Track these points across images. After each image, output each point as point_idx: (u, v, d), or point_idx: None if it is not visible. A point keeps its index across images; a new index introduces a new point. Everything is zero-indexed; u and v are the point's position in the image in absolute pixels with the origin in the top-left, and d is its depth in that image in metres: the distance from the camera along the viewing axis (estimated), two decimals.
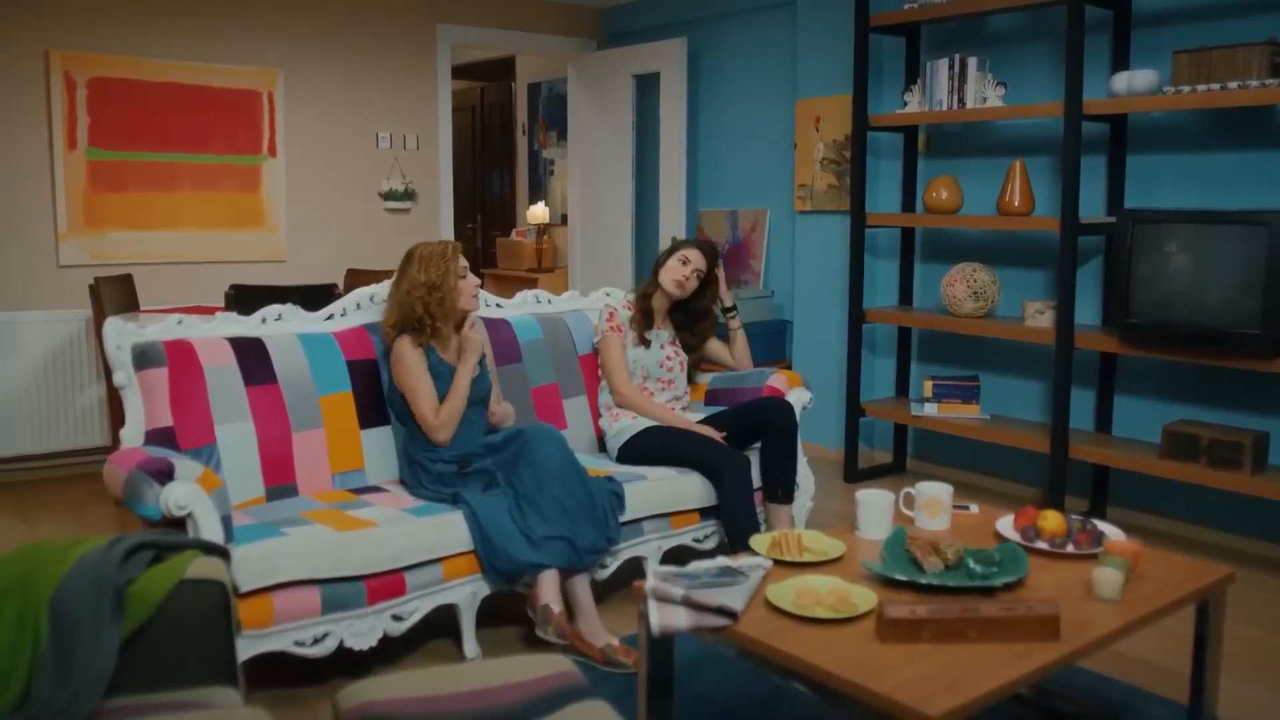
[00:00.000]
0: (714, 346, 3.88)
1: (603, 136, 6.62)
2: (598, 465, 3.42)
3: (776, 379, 3.78)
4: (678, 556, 3.27)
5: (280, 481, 3.11)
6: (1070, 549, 2.43)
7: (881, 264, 5.18)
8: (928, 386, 4.61)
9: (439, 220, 6.24)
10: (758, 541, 2.44)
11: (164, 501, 2.51)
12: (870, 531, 2.55)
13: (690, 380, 3.88)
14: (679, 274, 3.67)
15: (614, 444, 3.59)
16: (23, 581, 1.89)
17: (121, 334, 3.02)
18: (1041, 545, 2.44)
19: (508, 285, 7.43)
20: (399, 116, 6.05)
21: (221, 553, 2.15)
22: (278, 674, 2.84)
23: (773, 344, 5.62)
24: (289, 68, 5.62)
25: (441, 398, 3.17)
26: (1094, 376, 4.35)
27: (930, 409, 4.60)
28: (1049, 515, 2.48)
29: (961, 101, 4.41)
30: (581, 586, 3.03)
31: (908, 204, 4.96)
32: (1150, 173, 4.17)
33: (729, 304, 3.87)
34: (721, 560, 2.27)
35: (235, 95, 5.44)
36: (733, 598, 2.06)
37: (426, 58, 6.14)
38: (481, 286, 3.45)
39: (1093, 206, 4.29)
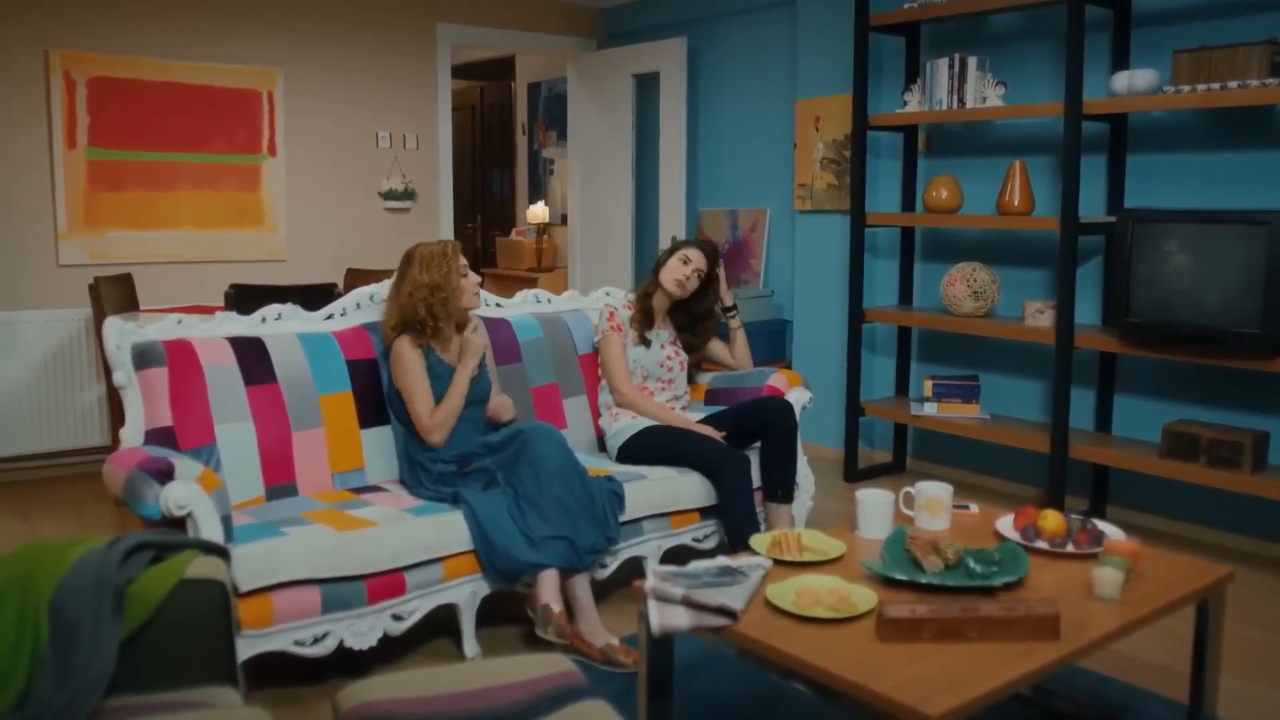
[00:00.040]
0: (714, 346, 3.88)
1: (602, 136, 6.62)
2: (597, 465, 3.42)
3: (776, 378, 3.78)
4: (677, 556, 3.27)
5: (280, 481, 3.11)
6: (1070, 549, 2.43)
7: (881, 263, 5.18)
8: (928, 386, 4.61)
9: (439, 220, 6.24)
10: (758, 541, 2.44)
11: (164, 501, 2.51)
12: (870, 531, 2.55)
13: (691, 380, 3.88)
14: (680, 273, 3.67)
15: (614, 443, 3.59)
16: (23, 581, 1.89)
17: (121, 333, 3.02)
18: (1041, 545, 2.44)
19: (507, 285, 7.43)
20: (399, 116, 6.05)
21: (221, 552, 2.15)
22: (278, 674, 2.84)
23: (773, 343, 5.62)
24: (289, 67, 5.62)
25: (439, 398, 3.17)
26: (1094, 376, 4.36)
27: (930, 408, 4.60)
28: (1049, 515, 2.48)
29: (961, 101, 4.41)
30: (581, 586, 3.03)
31: (908, 203, 4.96)
32: (1150, 172, 4.17)
33: (729, 303, 3.87)
34: (721, 560, 2.27)
35: (235, 95, 5.44)
36: (733, 597, 2.06)
37: (426, 57, 6.14)
38: (481, 285, 3.45)
39: (1093, 206, 4.29)
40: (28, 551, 1.96)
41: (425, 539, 2.85)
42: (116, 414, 4.14)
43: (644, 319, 3.71)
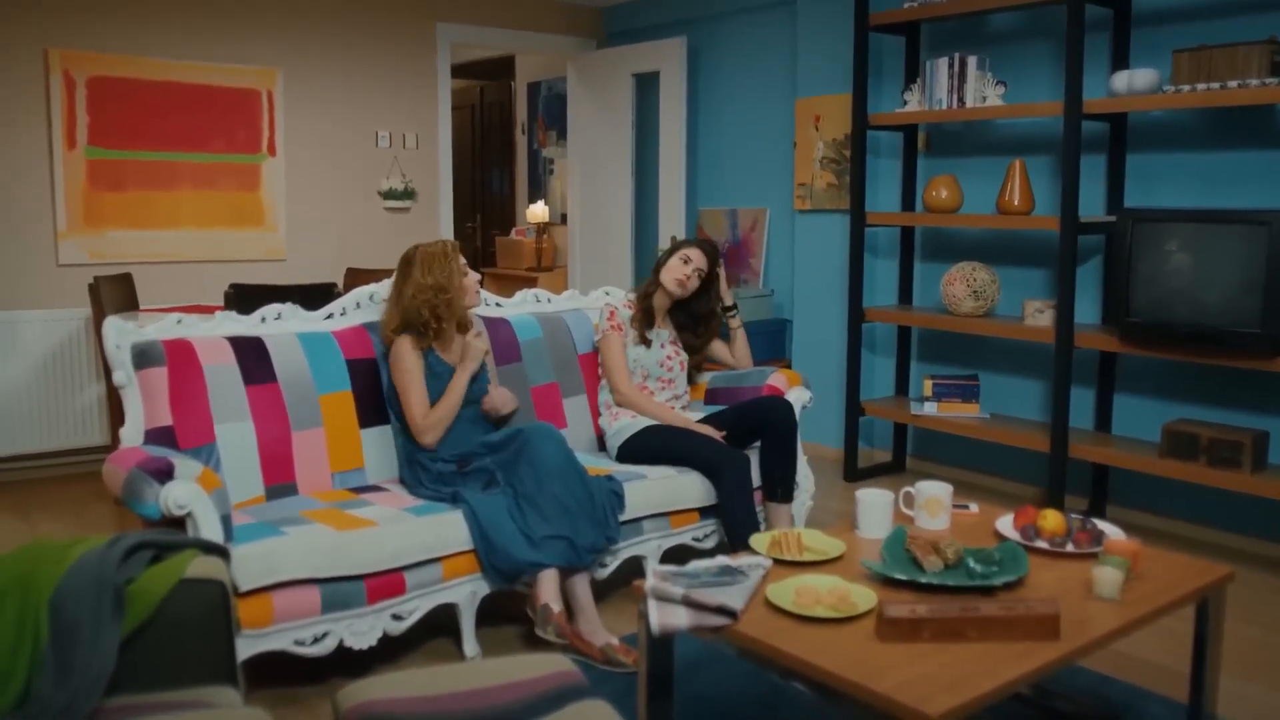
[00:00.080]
0: (714, 346, 3.88)
1: (602, 135, 6.62)
2: (597, 464, 3.42)
3: (776, 378, 3.78)
4: (677, 556, 3.27)
5: (280, 481, 3.11)
6: (1070, 548, 2.43)
7: (881, 263, 5.18)
8: (927, 385, 4.61)
9: (438, 219, 6.23)
10: (757, 541, 2.44)
11: (164, 501, 2.51)
12: (870, 531, 2.55)
13: (691, 380, 3.88)
14: (680, 273, 3.67)
15: (614, 443, 3.59)
16: (23, 581, 1.89)
17: (121, 333, 3.02)
18: (1041, 544, 2.44)
19: (507, 284, 7.43)
20: (399, 115, 6.05)
21: (221, 552, 2.15)
22: (277, 673, 2.84)
23: (772, 343, 5.62)
24: (288, 67, 5.62)
25: (438, 398, 3.17)
26: (1094, 375, 4.36)
27: (930, 408, 4.60)
28: (1049, 514, 2.48)
29: (961, 100, 4.40)
30: (581, 586, 3.03)
31: (907, 203, 4.96)
32: (1150, 172, 4.17)
33: (729, 303, 3.87)
34: (721, 559, 2.27)
35: (235, 94, 5.44)
36: (732, 597, 2.06)
37: (426, 57, 6.14)
38: (481, 283, 3.45)
39: (1092, 205, 4.29)
40: (28, 551, 1.96)
41: (425, 539, 2.85)
42: (116, 413, 4.13)
43: (644, 318, 3.71)
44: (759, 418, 3.52)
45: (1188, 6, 4.02)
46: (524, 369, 3.68)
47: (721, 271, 3.82)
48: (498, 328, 3.68)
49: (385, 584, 2.78)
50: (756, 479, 3.52)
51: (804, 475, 3.73)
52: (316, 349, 3.29)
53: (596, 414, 3.81)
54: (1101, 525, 2.52)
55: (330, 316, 3.44)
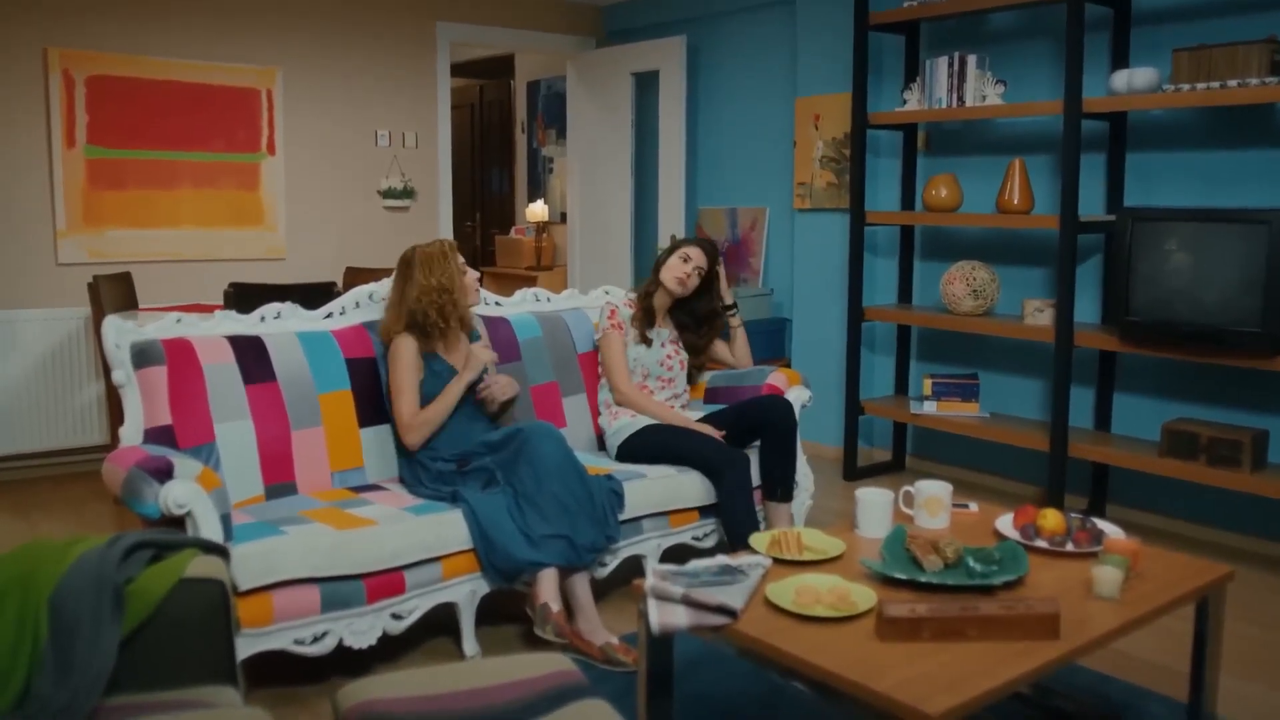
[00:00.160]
0: (714, 345, 3.88)
1: (602, 134, 6.62)
2: (597, 463, 3.42)
3: (776, 377, 3.78)
4: (677, 555, 3.27)
5: (279, 480, 3.11)
6: (1070, 547, 2.42)
7: (881, 262, 5.18)
8: (927, 385, 4.61)
9: (438, 218, 6.23)
10: (757, 540, 2.44)
11: (163, 500, 2.51)
12: (870, 530, 2.55)
13: (693, 379, 3.88)
14: (680, 271, 3.67)
15: (613, 442, 3.59)
16: (22, 580, 1.88)
17: (120, 332, 3.02)
18: (1041, 544, 2.44)
19: (507, 283, 7.43)
20: (398, 114, 6.05)
21: (221, 551, 2.15)
22: (277, 672, 2.84)
23: (772, 342, 5.62)
24: (288, 66, 5.61)
25: (435, 395, 3.17)
26: (1093, 375, 4.36)
27: (929, 407, 4.60)
28: (1048, 514, 2.48)
29: (961, 99, 4.40)
30: (581, 585, 3.03)
31: (907, 202, 4.96)
32: (1150, 171, 4.17)
33: (729, 302, 3.87)
34: (721, 559, 2.27)
35: (234, 93, 5.44)
36: (732, 596, 2.06)
37: (426, 55, 6.14)
38: (481, 281, 3.46)
39: (1092, 205, 4.29)
40: (27, 550, 1.96)
41: (424, 538, 2.85)
42: (115, 413, 4.13)
43: (645, 318, 3.71)
44: (759, 417, 3.52)
45: (1187, 6, 4.01)
46: (523, 368, 3.68)
47: (721, 270, 3.82)
48: (497, 327, 3.68)
49: (385, 583, 2.78)
50: (756, 478, 3.52)
51: (804, 474, 3.73)
52: (316, 348, 3.29)
53: (596, 413, 3.81)
54: (1101, 524, 2.52)
55: (330, 316, 3.44)
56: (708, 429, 3.50)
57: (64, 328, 4.95)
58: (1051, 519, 2.47)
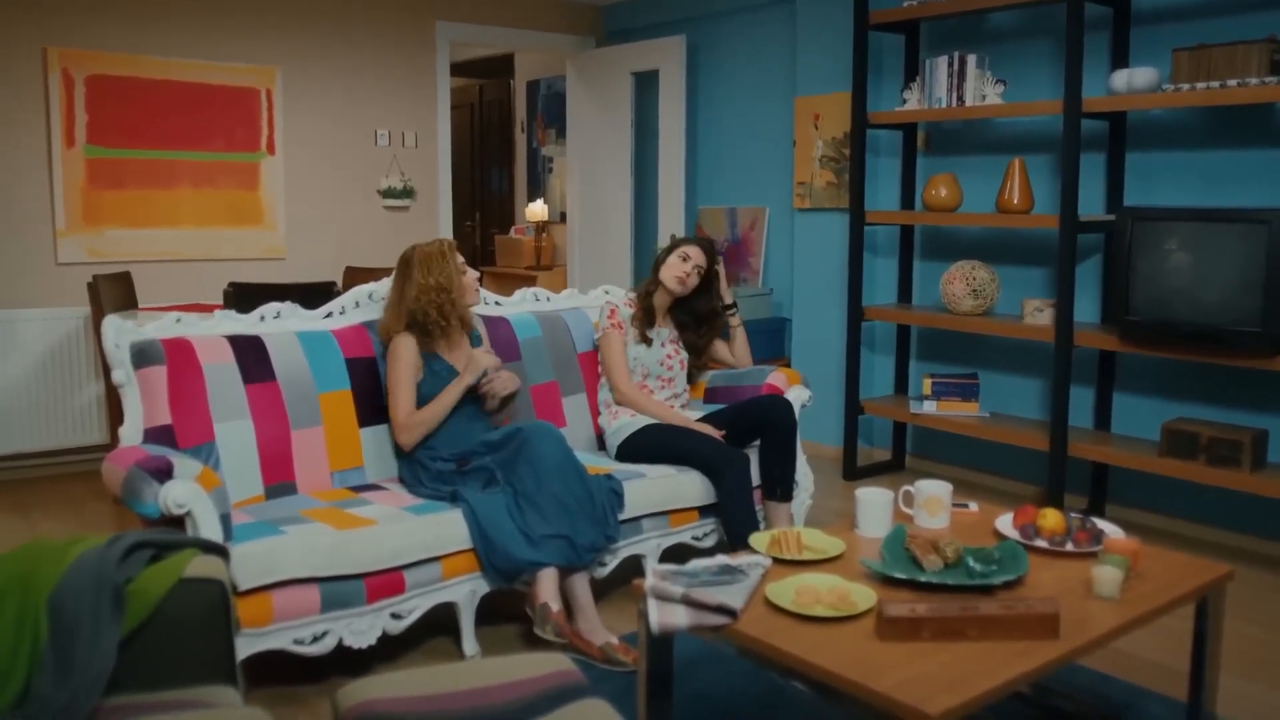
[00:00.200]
0: (713, 344, 3.88)
1: (602, 134, 6.62)
2: (597, 463, 3.42)
3: (775, 377, 3.78)
4: (677, 554, 3.27)
5: (279, 480, 3.11)
6: (1070, 547, 2.42)
7: (880, 262, 5.18)
8: (927, 384, 4.61)
9: (437, 218, 6.23)
10: (757, 540, 2.44)
11: (163, 500, 2.51)
12: (869, 530, 2.55)
13: (692, 379, 3.88)
14: (680, 270, 3.67)
15: (613, 442, 3.59)
16: (22, 580, 1.88)
17: (120, 332, 3.02)
18: (1041, 543, 2.44)
19: (506, 283, 7.42)
20: (398, 114, 6.05)
21: (220, 551, 2.15)
22: (277, 672, 2.83)
23: (772, 342, 5.62)
24: (288, 65, 5.61)
25: (434, 395, 3.17)
26: (1093, 374, 4.35)
27: (929, 407, 4.60)
28: (1048, 513, 2.48)
29: (961, 99, 4.40)
30: (580, 585, 3.03)
31: (907, 202, 4.95)
32: (1150, 170, 4.17)
33: (729, 301, 3.87)
34: (721, 558, 2.27)
35: (234, 92, 5.44)
36: (732, 596, 2.06)
37: (425, 55, 6.14)
38: (480, 281, 3.46)
39: (1092, 204, 4.29)
40: (27, 550, 1.96)
41: (424, 538, 2.85)
42: (115, 412, 4.13)
43: (645, 317, 3.71)
44: (758, 416, 3.52)
45: (1187, 5, 4.01)
46: (523, 368, 3.68)
47: (721, 270, 3.82)
48: (497, 326, 3.68)
49: (384, 583, 2.78)
50: (756, 478, 3.52)
51: (803, 474, 3.73)
52: (316, 348, 3.29)
53: (596, 413, 3.80)
54: (1101, 524, 2.52)
55: (329, 315, 3.44)
56: (707, 429, 3.50)
57: (63, 327, 4.95)
58: (1051, 519, 2.47)
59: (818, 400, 4.36)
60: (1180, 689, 2.69)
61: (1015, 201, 4.28)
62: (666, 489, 3.36)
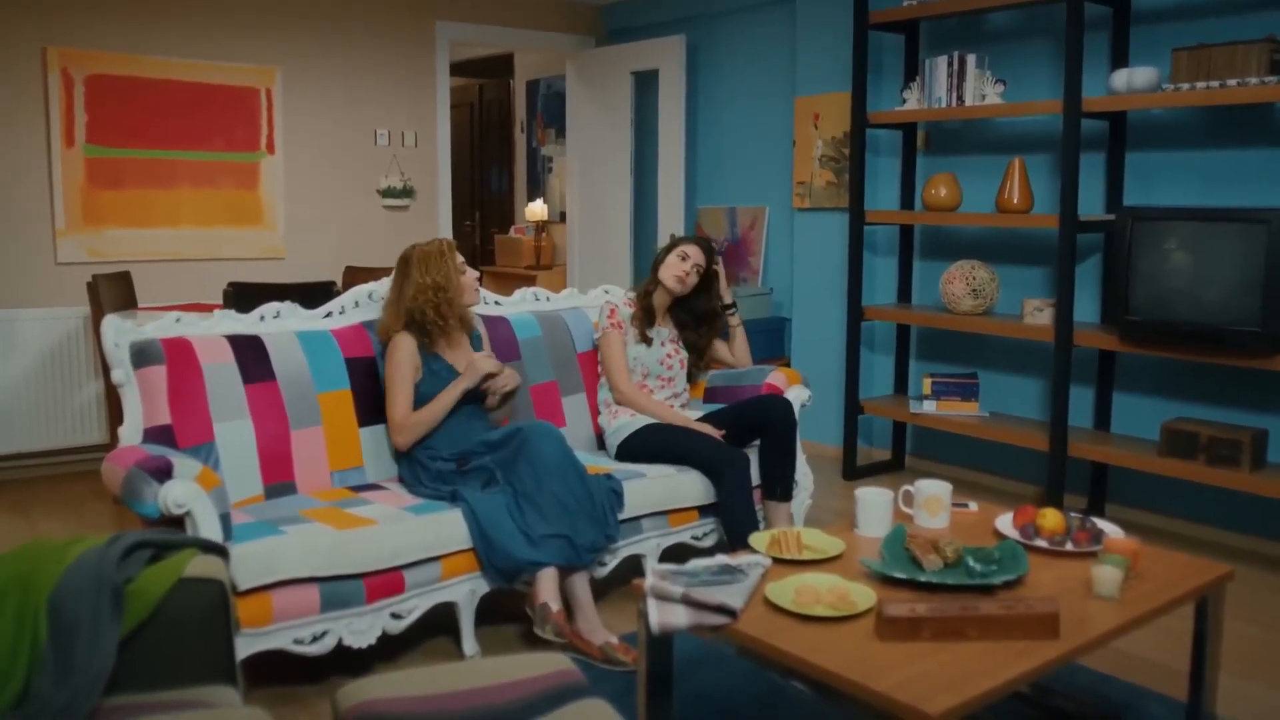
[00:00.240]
0: (713, 344, 3.88)
1: (601, 134, 6.61)
2: (596, 463, 3.41)
3: (775, 376, 3.78)
4: (676, 554, 3.27)
5: (279, 479, 3.11)
6: (1069, 547, 2.42)
7: (880, 261, 5.18)
8: (926, 384, 4.61)
9: (437, 217, 6.23)
10: (757, 539, 2.44)
11: (162, 500, 2.51)
12: (869, 529, 2.55)
13: (693, 378, 3.88)
14: (679, 270, 3.67)
15: (613, 441, 3.59)
16: (22, 580, 1.88)
17: (120, 332, 3.02)
18: (1041, 543, 2.44)
19: (506, 282, 7.42)
20: (397, 113, 6.05)
21: (220, 551, 2.15)
22: (277, 672, 2.83)
23: (771, 341, 5.62)
24: (287, 65, 5.61)
25: (433, 396, 3.17)
26: (1093, 374, 4.35)
27: (929, 406, 4.60)
28: (1048, 513, 2.48)
29: (960, 99, 4.40)
30: (580, 584, 3.03)
31: (906, 201, 4.95)
32: (1149, 170, 4.17)
33: (728, 301, 3.87)
34: (720, 558, 2.27)
35: (233, 92, 5.43)
36: (732, 596, 2.06)
37: (425, 54, 6.13)
38: (480, 281, 3.46)
39: (1092, 204, 4.29)
40: (27, 550, 1.96)
41: (424, 537, 2.85)
42: (115, 412, 4.13)
43: (645, 317, 3.71)
44: (758, 416, 3.52)
45: (1187, 5, 4.01)
46: (523, 367, 3.68)
47: (720, 269, 3.82)
48: (497, 326, 3.67)
49: (384, 583, 2.78)
50: (756, 478, 3.52)
51: (803, 474, 3.73)
52: (315, 347, 3.29)
53: (595, 412, 3.80)
54: (1101, 524, 2.52)
55: (329, 315, 3.44)
56: (707, 428, 3.50)
57: (63, 327, 4.95)
58: (1051, 518, 2.47)
59: (817, 400, 4.36)
60: (1180, 689, 2.69)
61: (1015, 201, 4.28)
62: (666, 489, 3.36)
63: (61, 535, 3.48)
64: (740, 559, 2.28)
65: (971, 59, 4.37)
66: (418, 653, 3.04)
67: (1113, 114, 4.13)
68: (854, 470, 4.95)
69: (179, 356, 3.03)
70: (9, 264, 4.91)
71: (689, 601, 2.04)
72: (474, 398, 3.26)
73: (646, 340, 3.68)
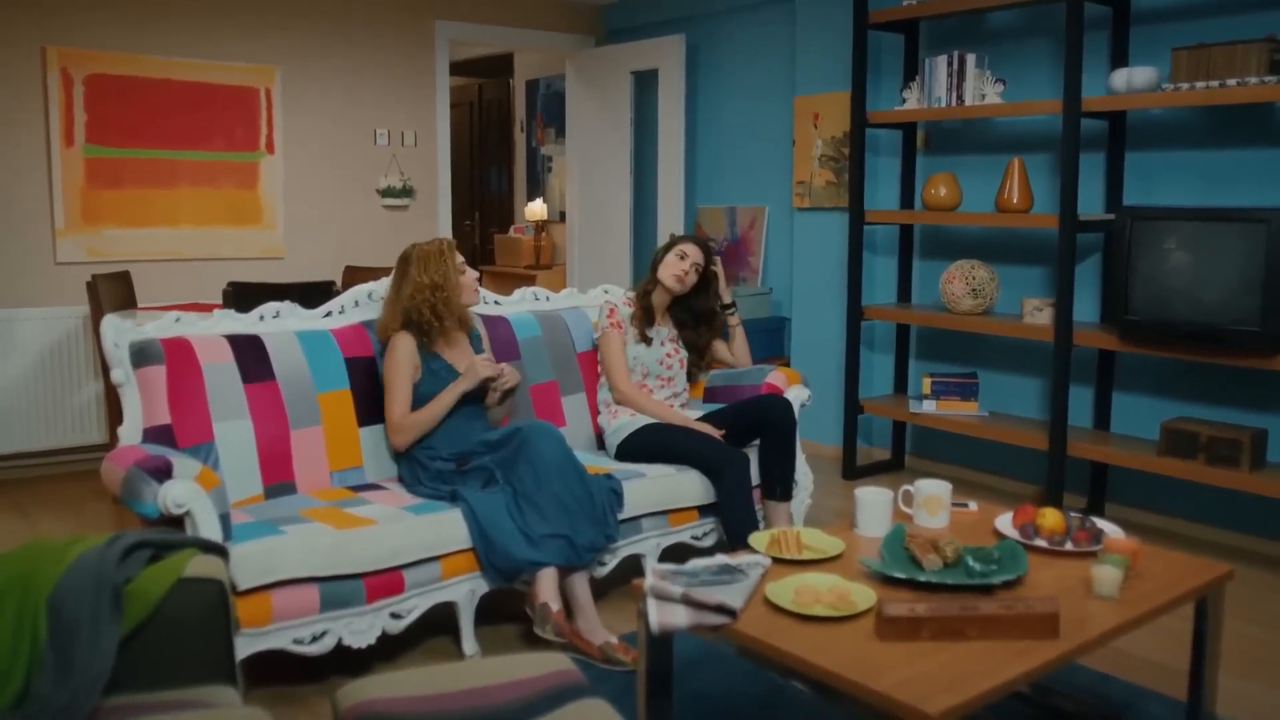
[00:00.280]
0: (713, 344, 3.88)
1: (601, 133, 6.61)
2: (596, 463, 3.41)
3: (775, 376, 3.78)
4: (676, 554, 3.27)
5: (279, 479, 3.11)
6: (1069, 546, 2.42)
7: (880, 261, 5.18)
8: (926, 383, 4.61)
9: (437, 217, 6.23)
10: (756, 539, 2.44)
11: (162, 499, 2.51)
12: (869, 529, 2.55)
13: (693, 378, 3.88)
14: (678, 269, 3.67)
15: (612, 441, 3.59)
16: (22, 580, 1.88)
17: (119, 331, 3.02)
18: (1040, 543, 2.44)
19: (506, 282, 7.42)
20: (397, 113, 6.05)
21: (220, 551, 2.15)
22: (276, 672, 2.83)
23: (771, 341, 5.62)
24: (287, 64, 5.61)
25: (434, 396, 3.17)
26: (1092, 373, 4.35)
27: (929, 406, 4.60)
28: (1048, 513, 2.48)
29: (960, 98, 4.40)
30: (580, 584, 3.03)
31: (906, 201, 4.95)
32: (1149, 170, 4.17)
33: (728, 301, 3.87)
34: (720, 558, 2.27)
35: (233, 92, 5.43)
36: (732, 595, 2.06)
37: (425, 54, 6.13)
38: (480, 281, 3.46)
39: (1091, 203, 4.29)
40: (26, 550, 1.96)
41: (424, 537, 2.85)
42: (114, 412, 4.13)
43: (645, 316, 3.71)
44: (758, 416, 3.52)
45: (1186, 5, 4.01)
46: (523, 367, 3.68)
47: (719, 269, 3.82)
48: (496, 326, 3.67)
49: (384, 583, 2.78)
50: (755, 477, 3.52)
51: (803, 473, 3.73)
52: (315, 347, 3.29)
53: (595, 412, 3.80)
54: (1100, 523, 2.52)
55: (329, 315, 3.44)
56: (707, 428, 3.50)
57: (63, 327, 4.94)
58: (1051, 518, 2.47)
59: (817, 399, 4.36)
60: (1180, 689, 2.69)
61: (1015, 201, 4.28)
62: (666, 488, 3.36)
63: (61, 535, 3.48)
64: (740, 559, 2.28)
65: (971, 59, 4.37)
66: (417, 652, 3.04)
67: (1112, 114, 4.13)
68: (854, 470, 4.95)
69: (178, 356, 3.03)
70: (8, 264, 4.91)
71: (689, 601, 2.04)
72: (474, 398, 3.26)
73: (646, 340, 3.68)
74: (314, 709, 2.71)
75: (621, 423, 3.59)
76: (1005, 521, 2.59)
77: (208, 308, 4.21)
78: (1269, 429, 3.84)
